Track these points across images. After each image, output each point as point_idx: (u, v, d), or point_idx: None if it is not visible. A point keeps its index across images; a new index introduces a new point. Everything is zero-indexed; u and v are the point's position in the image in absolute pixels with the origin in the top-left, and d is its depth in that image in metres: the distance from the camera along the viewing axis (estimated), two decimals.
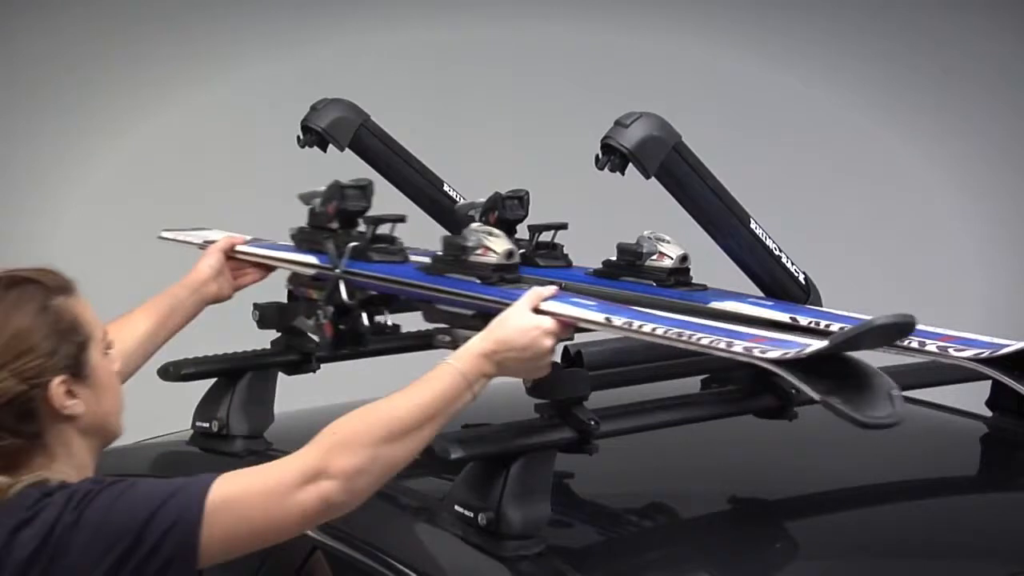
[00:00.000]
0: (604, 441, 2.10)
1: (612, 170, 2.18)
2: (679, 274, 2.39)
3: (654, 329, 1.99)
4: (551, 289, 2.06)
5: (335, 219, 2.52)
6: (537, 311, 2.01)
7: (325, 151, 2.90)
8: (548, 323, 1.99)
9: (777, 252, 2.32)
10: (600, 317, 2.02)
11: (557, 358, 2.07)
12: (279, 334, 2.71)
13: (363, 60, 5.62)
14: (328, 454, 1.84)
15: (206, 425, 2.62)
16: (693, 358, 2.23)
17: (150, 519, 1.78)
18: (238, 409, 2.61)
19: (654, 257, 2.39)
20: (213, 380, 2.68)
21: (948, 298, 5.60)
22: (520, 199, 2.56)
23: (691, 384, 2.41)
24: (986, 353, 1.83)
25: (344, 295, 2.41)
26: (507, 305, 2.06)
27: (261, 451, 2.56)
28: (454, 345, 2.08)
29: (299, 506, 1.82)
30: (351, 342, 2.49)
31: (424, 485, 2.23)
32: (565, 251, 2.53)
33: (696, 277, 2.42)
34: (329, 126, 2.83)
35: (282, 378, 2.68)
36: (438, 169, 2.97)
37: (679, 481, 2.37)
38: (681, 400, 2.27)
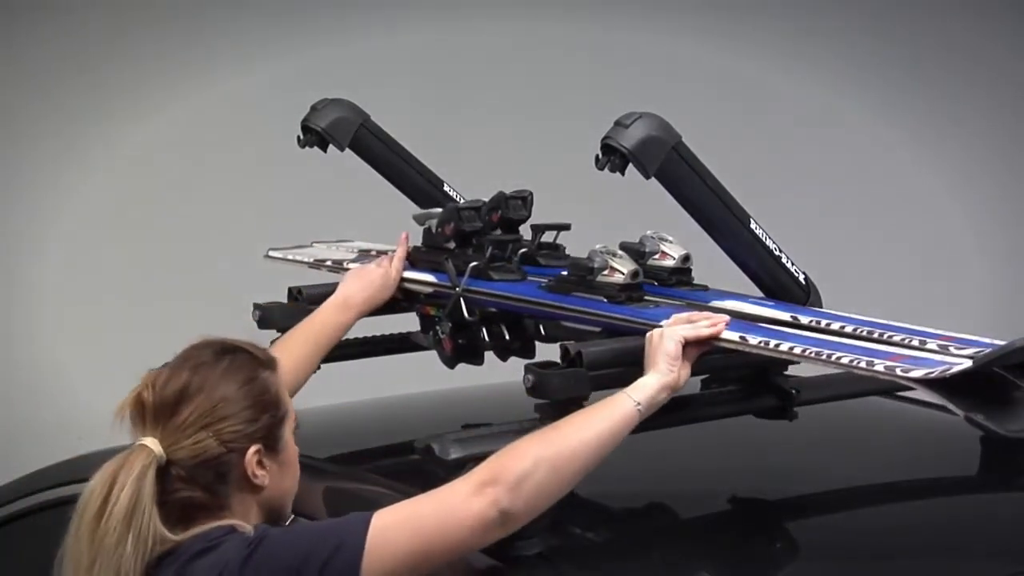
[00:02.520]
0: None
1: (612, 170, 2.18)
2: (681, 273, 2.40)
3: (791, 348, 2.04)
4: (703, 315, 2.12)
5: (452, 239, 2.56)
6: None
7: (325, 151, 2.90)
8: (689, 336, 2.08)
9: (777, 252, 2.33)
10: (735, 336, 2.07)
11: None
12: (279, 334, 2.71)
13: (363, 60, 5.62)
14: (498, 465, 1.89)
15: None
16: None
17: (313, 548, 1.84)
18: None
19: (656, 256, 2.40)
20: None
21: (948, 298, 5.60)
22: (523, 199, 2.58)
23: (691, 384, 2.41)
24: (936, 373, 1.87)
25: (465, 312, 2.46)
26: (638, 324, 2.16)
27: None
28: (432, 344, 2.18)
29: (473, 514, 1.86)
30: (470, 356, 2.53)
31: (424, 485, 2.23)
32: (567, 251, 2.54)
33: (697, 277, 2.42)
34: (329, 126, 2.84)
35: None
36: (438, 169, 2.97)
37: (679, 481, 2.37)
38: (681, 400, 2.27)
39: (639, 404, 1.99)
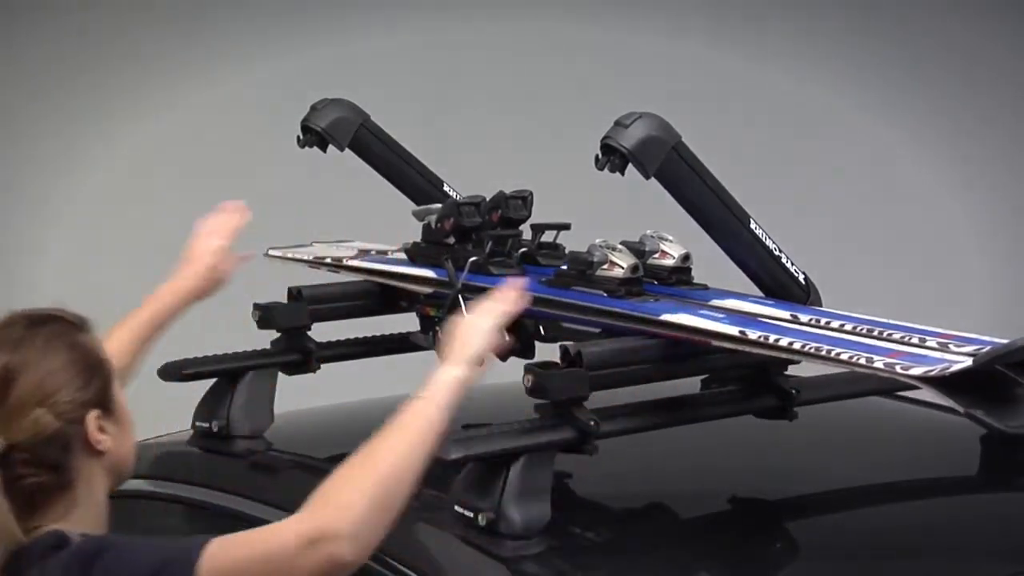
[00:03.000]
0: (604, 441, 2.10)
1: (612, 170, 2.18)
2: (681, 273, 2.40)
3: (791, 344, 2.03)
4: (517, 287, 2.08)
5: (451, 235, 2.54)
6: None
7: (325, 151, 2.90)
8: (500, 320, 2.03)
9: (777, 252, 2.33)
10: (734, 331, 2.06)
11: None
12: (279, 334, 2.71)
13: (363, 60, 5.62)
14: (327, 515, 1.80)
15: (206, 425, 2.62)
16: (694, 359, 2.24)
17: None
18: (238, 409, 2.60)
19: (656, 255, 2.40)
20: (213, 380, 2.67)
21: (948, 298, 5.60)
22: (524, 199, 2.58)
23: (691, 384, 2.41)
24: (935, 371, 1.88)
25: (464, 311, 2.42)
26: (634, 317, 2.16)
27: (261, 451, 2.56)
28: (432, 344, 2.11)
29: (306, 571, 1.78)
30: None
31: (424, 485, 2.23)
32: (567, 251, 2.54)
33: (697, 277, 2.42)
34: (329, 126, 2.84)
35: (282, 378, 2.68)
36: (438, 169, 2.97)
37: (679, 481, 2.37)
38: (681, 400, 2.27)
39: (438, 405, 1.92)
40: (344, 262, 2.81)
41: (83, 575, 1.78)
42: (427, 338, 2.56)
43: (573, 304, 2.31)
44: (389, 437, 1.88)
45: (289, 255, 2.97)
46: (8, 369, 1.87)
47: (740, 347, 2.10)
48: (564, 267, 2.37)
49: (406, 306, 2.66)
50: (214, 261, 2.56)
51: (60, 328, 1.92)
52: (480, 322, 2.02)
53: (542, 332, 2.50)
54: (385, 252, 2.82)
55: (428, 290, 2.57)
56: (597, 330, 2.29)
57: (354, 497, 1.81)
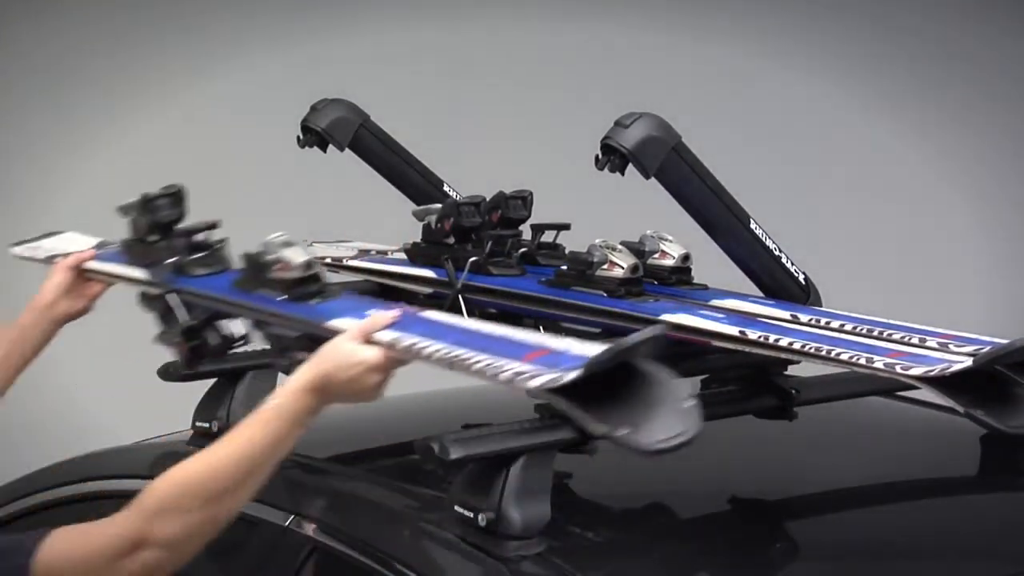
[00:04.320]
0: (604, 441, 2.10)
1: (612, 170, 2.18)
2: (681, 273, 2.40)
3: (791, 343, 2.01)
4: (390, 315, 1.94)
5: (451, 235, 2.53)
6: (370, 341, 1.88)
7: (325, 151, 2.90)
8: (373, 357, 1.87)
9: (777, 252, 2.33)
10: (734, 330, 2.03)
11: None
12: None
13: (363, 60, 5.62)
14: (148, 523, 1.76)
15: (206, 425, 2.62)
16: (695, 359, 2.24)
17: None
18: (238, 409, 2.60)
19: (656, 256, 2.40)
20: (213, 380, 2.67)
21: (948, 298, 5.60)
22: (524, 199, 2.58)
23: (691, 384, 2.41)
24: (935, 371, 1.87)
25: (464, 312, 2.42)
26: (634, 317, 2.14)
27: None
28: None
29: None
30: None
31: (424, 485, 2.23)
32: (567, 251, 2.54)
33: (697, 277, 2.42)
34: (329, 126, 2.84)
35: (282, 378, 2.67)
36: (438, 169, 2.97)
37: (679, 481, 2.37)
38: None
39: (283, 414, 1.83)
40: (344, 262, 2.81)
41: None
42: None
43: (573, 304, 2.31)
44: (227, 444, 1.81)
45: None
46: None
47: (740, 347, 2.10)
48: (564, 267, 2.37)
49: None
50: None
51: None
52: (346, 337, 1.88)
53: (542, 332, 2.50)
54: (385, 252, 2.82)
55: (428, 290, 2.57)
56: (597, 330, 2.29)
57: (181, 507, 1.76)
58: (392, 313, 1.93)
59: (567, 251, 2.48)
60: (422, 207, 2.64)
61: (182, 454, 2.62)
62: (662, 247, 2.41)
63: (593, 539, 2.14)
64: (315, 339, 1.98)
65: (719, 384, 2.38)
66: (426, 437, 2.04)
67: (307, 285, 2.16)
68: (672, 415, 1.80)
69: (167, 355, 2.70)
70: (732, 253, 2.34)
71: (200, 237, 2.41)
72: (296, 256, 2.17)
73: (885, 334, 2.11)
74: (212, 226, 2.42)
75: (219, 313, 2.34)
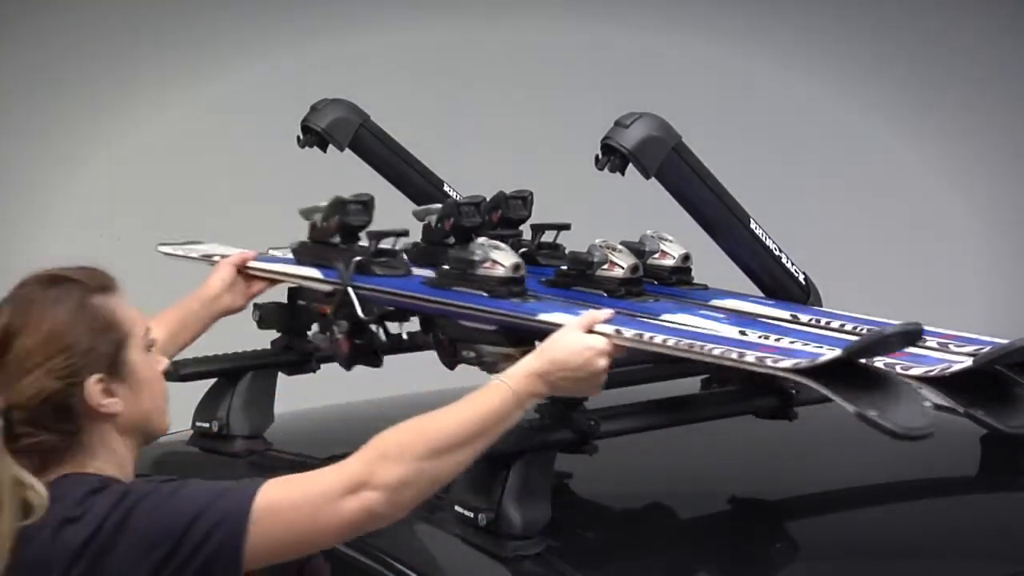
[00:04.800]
0: (604, 441, 2.10)
1: (612, 170, 2.18)
2: (681, 273, 2.40)
3: (742, 356, 1.95)
4: (606, 313, 2.03)
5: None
6: (591, 332, 1.98)
7: (325, 151, 2.90)
8: (601, 343, 1.96)
9: (777, 252, 2.33)
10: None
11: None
12: (279, 334, 2.71)
13: (363, 60, 5.62)
14: (373, 465, 1.82)
15: (206, 425, 2.62)
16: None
17: (196, 519, 1.77)
18: (238, 409, 2.61)
19: (656, 256, 2.40)
20: (213, 380, 2.67)
21: (948, 298, 5.60)
22: (524, 199, 2.58)
23: (691, 384, 2.41)
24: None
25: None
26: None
27: (261, 451, 2.56)
28: (479, 361, 2.11)
29: (341, 515, 1.81)
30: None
31: None
32: (567, 251, 2.54)
33: (697, 277, 2.42)
34: (329, 126, 2.84)
35: (282, 378, 2.68)
36: (438, 169, 2.97)
37: (679, 481, 2.37)
38: (681, 400, 2.27)
39: (514, 390, 1.90)
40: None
41: (127, 512, 1.78)
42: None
43: (573, 304, 2.31)
44: (458, 407, 1.89)
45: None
46: (8, 329, 1.85)
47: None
48: (564, 267, 2.37)
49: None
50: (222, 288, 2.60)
51: (71, 288, 1.90)
52: (571, 327, 1.99)
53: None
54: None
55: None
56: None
57: (405, 456, 1.83)
58: (608, 311, 2.04)
59: (567, 251, 2.48)
60: (422, 207, 2.64)
61: (182, 454, 2.64)
62: (662, 247, 2.41)
63: (593, 539, 2.14)
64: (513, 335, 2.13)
65: (719, 384, 2.38)
66: None
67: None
68: (915, 407, 1.81)
69: None
70: (732, 253, 2.34)
71: (387, 242, 2.47)
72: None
73: None
74: (403, 233, 2.48)
75: (389, 316, 2.40)
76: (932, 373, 1.89)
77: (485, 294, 2.24)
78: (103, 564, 1.77)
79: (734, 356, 1.92)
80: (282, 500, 1.80)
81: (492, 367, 2.16)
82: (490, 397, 1.90)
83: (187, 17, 5.67)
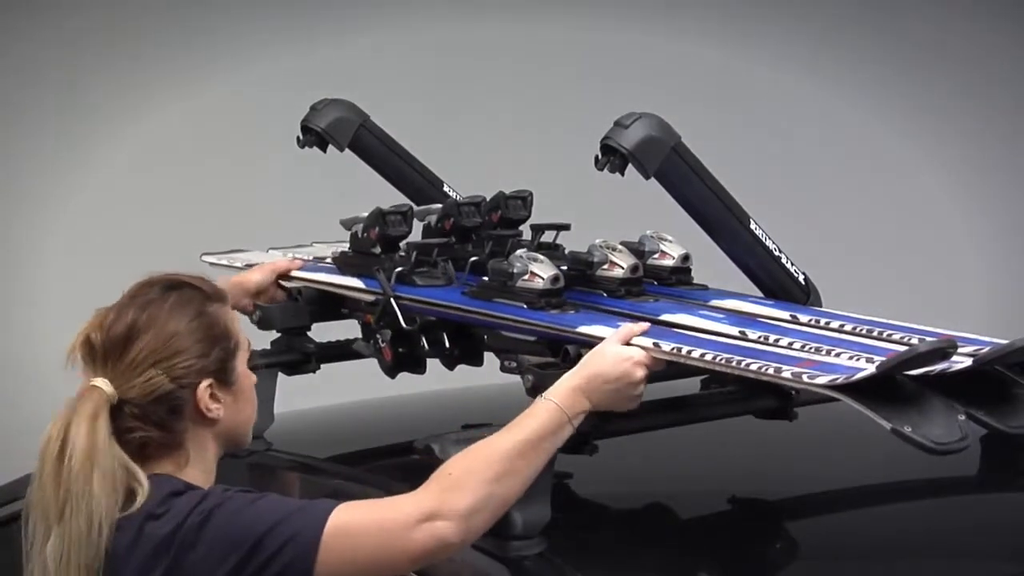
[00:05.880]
0: (604, 441, 2.10)
1: (612, 171, 2.18)
2: (680, 273, 2.40)
3: (779, 371, 1.97)
4: (642, 326, 2.09)
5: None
6: (628, 345, 2.04)
7: (325, 151, 2.90)
8: (639, 354, 2.02)
9: (777, 253, 2.33)
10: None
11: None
12: (279, 334, 2.71)
13: (363, 60, 5.61)
14: (444, 494, 1.88)
15: None
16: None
17: (271, 530, 1.83)
18: None
19: (656, 256, 2.40)
20: None
21: (948, 298, 5.60)
22: (524, 199, 2.58)
23: (691, 384, 2.41)
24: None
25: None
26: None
27: (261, 451, 2.56)
28: (519, 370, 2.14)
29: (414, 545, 1.86)
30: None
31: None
32: (567, 251, 2.54)
33: (697, 277, 2.42)
34: (329, 126, 2.83)
35: (282, 378, 2.68)
36: (438, 169, 2.97)
37: (679, 481, 2.37)
38: (681, 400, 2.27)
39: (560, 406, 1.97)
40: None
41: (205, 516, 1.84)
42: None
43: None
44: (512, 430, 1.96)
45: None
46: (134, 326, 1.93)
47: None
48: (564, 267, 2.37)
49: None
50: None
51: (192, 295, 1.97)
52: (609, 341, 2.04)
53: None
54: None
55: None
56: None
57: (472, 483, 1.89)
58: (644, 324, 2.10)
59: (567, 251, 2.48)
60: (422, 207, 2.64)
61: None
62: (662, 247, 2.41)
63: (593, 539, 2.14)
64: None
65: (719, 384, 2.38)
66: (426, 437, 2.04)
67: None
68: (950, 421, 1.84)
69: None
70: (732, 253, 2.34)
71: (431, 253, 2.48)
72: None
73: (885, 334, 2.11)
74: (445, 244, 2.50)
75: (432, 324, 2.40)
76: (933, 372, 1.89)
77: (524, 306, 2.25)
78: (182, 563, 1.83)
79: (771, 372, 1.93)
80: (355, 524, 1.85)
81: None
82: (539, 417, 1.97)
83: (187, 17, 5.67)
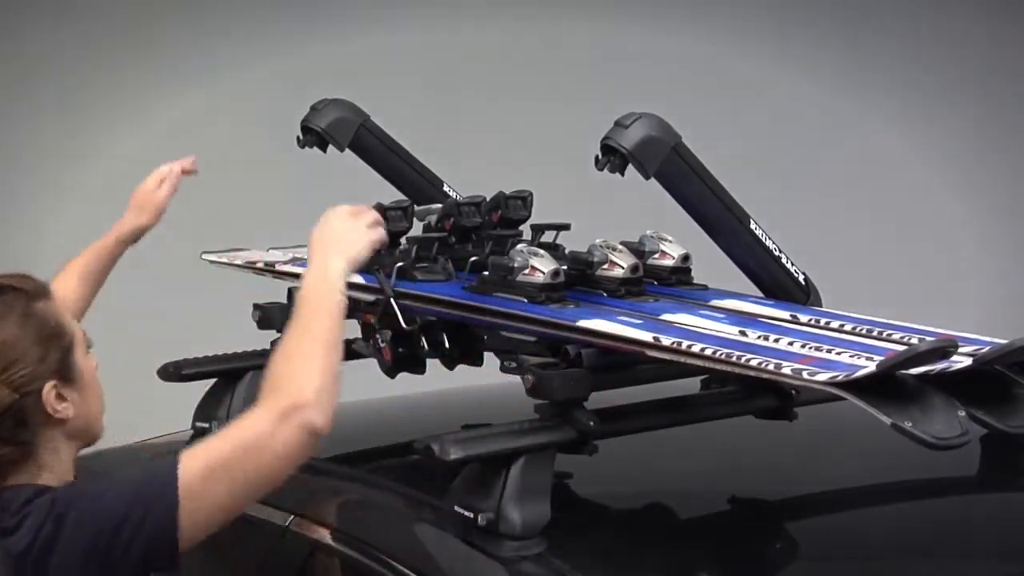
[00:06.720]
0: (604, 441, 2.10)
1: (612, 171, 2.18)
2: (680, 273, 2.40)
3: (779, 367, 1.96)
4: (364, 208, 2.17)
5: (451, 234, 2.52)
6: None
7: (325, 151, 2.90)
8: (350, 208, 2.13)
9: (777, 253, 2.33)
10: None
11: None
12: (279, 334, 2.71)
13: (363, 60, 5.62)
14: (289, 390, 1.86)
15: (206, 425, 2.62)
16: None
17: (125, 517, 1.79)
18: (238, 409, 2.60)
19: (656, 256, 2.40)
20: (213, 380, 2.67)
21: (948, 298, 5.60)
22: (524, 199, 2.57)
23: (691, 384, 2.41)
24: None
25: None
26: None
27: None
28: (519, 370, 2.13)
29: (284, 443, 1.83)
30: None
31: (424, 485, 2.23)
32: (567, 251, 2.54)
33: (697, 277, 2.42)
34: (329, 126, 2.83)
35: None
36: (438, 169, 2.97)
37: (679, 481, 2.37)
38: (681, 400, 2.27)
39: (339, 289, 2.00)
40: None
41: (58, 520, 1.80)
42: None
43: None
44: (309, 320, 1.96)
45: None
46: None
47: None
48: (564, 267, 2.37)
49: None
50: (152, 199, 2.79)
51: (14, 298, 1.91)
52: (346, 223, 2.12)
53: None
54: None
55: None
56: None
57: (306, 372, 1.88)
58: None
59: (567, 251, 2.48)
60: (422, 207, 2.64)
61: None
62: (662, 247, 2.41)
63: (593, 539, 2.14)
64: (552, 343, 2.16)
65: (719, 384, 2.38)
66: (426, 437, 2.04)
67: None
68: (949, 417, 1.84)
69: (167, 355, 2.70)
70: (732, 253, 2.33)
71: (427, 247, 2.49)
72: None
73: (884, 334, 2.11)
74: (445, 239, 2.50)
75: (432, 324, 2.40)
76: (933, 372, 1.89)
77: (525, 300, 2.25)
78: (46, 571, 1.79)
79: (771, 368, 1.93)
80: (215, 462, 1.82)
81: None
82: (331, 301, 1.98)
83: (187, 17, 5.67)
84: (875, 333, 2.12)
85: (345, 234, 2.09)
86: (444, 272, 2.45)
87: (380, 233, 2.12)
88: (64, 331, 1.92)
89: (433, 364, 2.49)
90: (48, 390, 1.87)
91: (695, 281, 2.42)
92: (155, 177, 2.84)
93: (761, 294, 2.38)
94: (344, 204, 2.15)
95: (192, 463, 1.82)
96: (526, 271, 2.26)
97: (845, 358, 1.97)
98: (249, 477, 1.83)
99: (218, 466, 1.82)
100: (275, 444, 1.82)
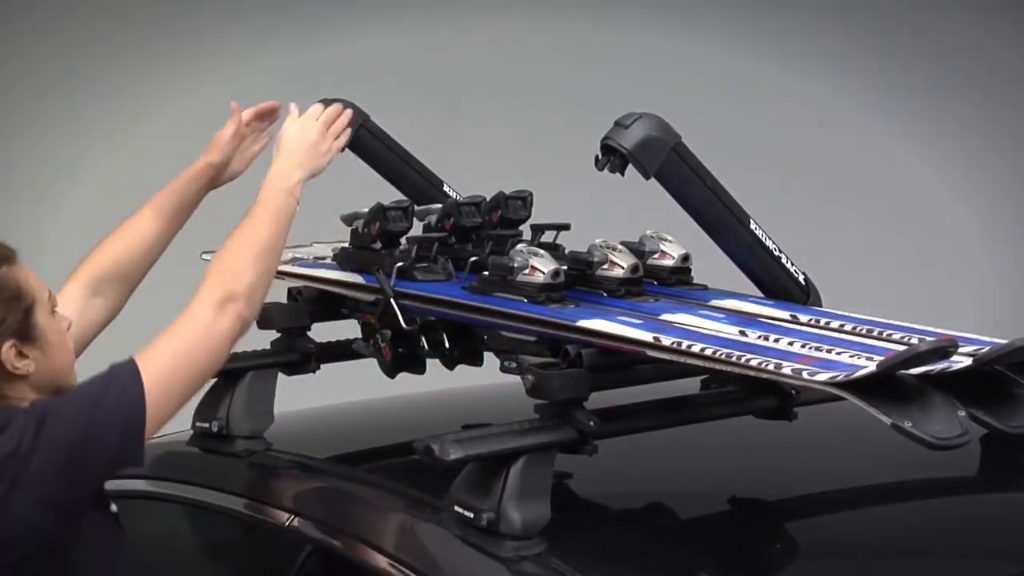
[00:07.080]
0: (604, 441, 2.10)
1: (612, 171, 2.18)
2: (680, 273, 2.39)
3: (779, 367, 1.96)
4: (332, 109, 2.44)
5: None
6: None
7: None
8: (315, 111, 2.44)
9: (777, 253, 2.33)
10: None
11: None
12: (279, 334, 2.71)
13: (363, 60, 5.61)
14: (225, 283, 2.12)
15: (206, 425, 2.62)
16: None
17: (95, 415, 1.97)
18: (238, 409, 2.60)
19: (656, 256, 2.39)
20: (213, 380, 2.67)
21: (948, 298, 5.60)
22: (524, 199, 2.57)
23: (691, 384, 2.41)
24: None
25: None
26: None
27: (261, 451, 2.56)
28: (519, 370, 2.15)
29: (221, 333, 2.09)
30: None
31: (424, 485, 2.23)
32: (567, 251, 2.53)
33: (697, 277, 2.42)
34: None
35: (282, 378, 2.68)
36: (438, 169, 2.97)
37: (679, 481, 2.37)
38: (681, 400, 2.27)
39: (292, 195, 2.32)
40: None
41: (40, 423, 1.96)
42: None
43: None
44: (256, 219, 2.24)
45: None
46: None
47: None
48: (565, 267, 2.37)
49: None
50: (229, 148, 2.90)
51: None
52: (305, 129, 2.41)
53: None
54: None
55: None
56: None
57: (241, 267, 2.15)
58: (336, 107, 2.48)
59: (567, 251, 2.47)
60: (423, 207, 2.64)
61: (182, 454, 2.64)
62: (662, 247, 2.41)
63: (593, 539, 2.14)
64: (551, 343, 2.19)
65: (719, 384, 2.38)
66: (426, 437, 2.04)
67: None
68: (949, 417, 1.85)
69: None
70: (732, 253, 2.33)
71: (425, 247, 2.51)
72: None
73: (884, 334, 2.11)
74: (446, 238, 2.52)
75: (432, 324, 2.41)
76: (933, 372, 1.90)
77: (525, 300, 2.25)
78: (28, 468, 1.94)
79: (771, 368, 1.93)
80: (173, 360, 2.04)
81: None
82: (267, 203, 2.28)
83: (187, 17, 5.67)
84: (875, 333, 2.12)
85: (313, 146, 2.38)
86: (444, 272, 2.45)
87: (342, 141, 2.44)
88: (23, 294, 2.05)
89: (433, 364, 2.48)
90: (8, 348, 2.01)
91: (695, 281, 2.42)
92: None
93: (761, 294, 2.38)
94: (314, 107, 2.43)
95: (155, 356, 2.03)
96: (526, 271, 2.26)
97: (845, 358, 1.97)
98: (201, 364, 2.07)
99: (177, 358, 2.05)
100: (217, 333, 2.08)
